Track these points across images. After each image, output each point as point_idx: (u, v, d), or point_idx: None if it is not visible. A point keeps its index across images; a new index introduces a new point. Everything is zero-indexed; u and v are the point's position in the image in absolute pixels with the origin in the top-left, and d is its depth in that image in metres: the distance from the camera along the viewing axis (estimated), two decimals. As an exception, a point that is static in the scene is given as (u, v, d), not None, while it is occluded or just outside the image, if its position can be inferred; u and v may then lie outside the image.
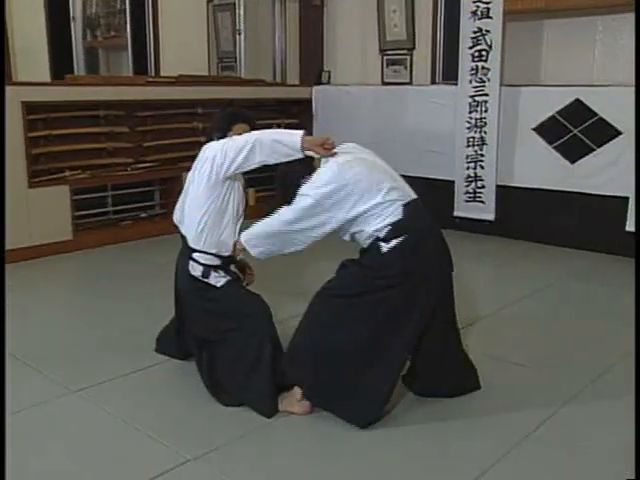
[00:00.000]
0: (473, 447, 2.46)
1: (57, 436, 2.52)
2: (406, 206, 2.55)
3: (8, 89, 4.54)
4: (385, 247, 2.52)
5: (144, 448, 2.42)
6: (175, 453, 2.37)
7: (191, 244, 2.76)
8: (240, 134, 2.68)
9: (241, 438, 2.48)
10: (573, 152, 5.18)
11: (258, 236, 2.67)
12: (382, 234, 2.53)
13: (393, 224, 2.52)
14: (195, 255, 2.76)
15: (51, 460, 2.37)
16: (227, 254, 2.79)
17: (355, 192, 2.50)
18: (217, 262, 2.77)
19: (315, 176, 2.56)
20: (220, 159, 2.60)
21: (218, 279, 2.77)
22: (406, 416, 2.65)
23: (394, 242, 2.52)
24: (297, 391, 2.65)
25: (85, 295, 4.40)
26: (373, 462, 2.35)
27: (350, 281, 2.61)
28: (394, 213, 2.53)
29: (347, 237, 2.67)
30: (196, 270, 2.76)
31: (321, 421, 2.59)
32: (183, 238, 2.84)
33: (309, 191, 2.52)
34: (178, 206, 2.93)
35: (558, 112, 5.20)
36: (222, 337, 2.76)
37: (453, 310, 2.76)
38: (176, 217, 2.95)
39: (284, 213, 2.58)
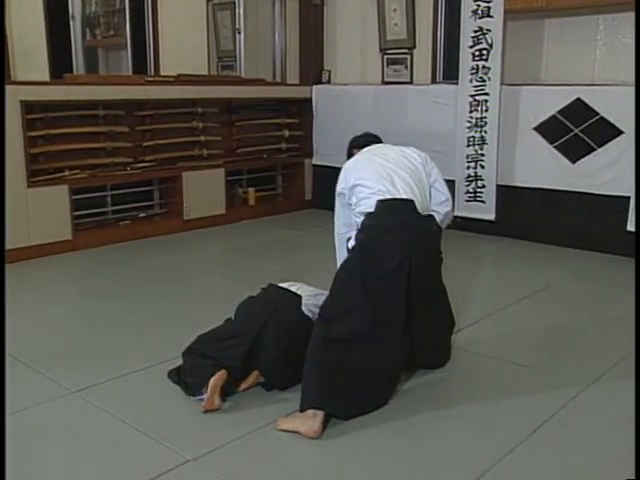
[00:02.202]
0: (472, 448, 2.44)
1: (57, 436, 2.51)
2: (381, 202, 2.76)
3: (7, 88, 4.53)
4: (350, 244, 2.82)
5: (144, 448, 2.41)
6: (175, 453, 2.36)
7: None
8: None
9: (241, 438, 2.46)
10: (574, 152, 5.16)
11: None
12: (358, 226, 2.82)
13: (366, 214, 2.78)
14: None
15: (50, 460, 2.35)
16: None
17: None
18: None
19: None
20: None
21: None
22: (402, 415, 2.64)
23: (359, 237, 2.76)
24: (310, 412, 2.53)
25: (84, 295, 4.38)
26: (373, 462, 2.34)
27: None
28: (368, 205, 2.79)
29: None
30: None
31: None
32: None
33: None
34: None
35: (559, 111, 5.18)
36: None
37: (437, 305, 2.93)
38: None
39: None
